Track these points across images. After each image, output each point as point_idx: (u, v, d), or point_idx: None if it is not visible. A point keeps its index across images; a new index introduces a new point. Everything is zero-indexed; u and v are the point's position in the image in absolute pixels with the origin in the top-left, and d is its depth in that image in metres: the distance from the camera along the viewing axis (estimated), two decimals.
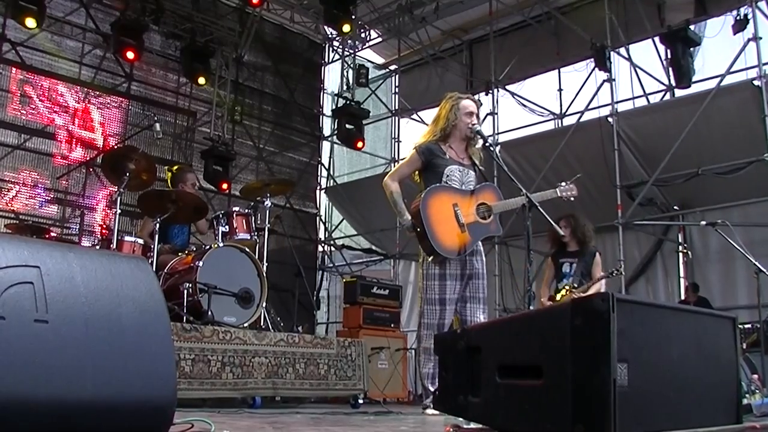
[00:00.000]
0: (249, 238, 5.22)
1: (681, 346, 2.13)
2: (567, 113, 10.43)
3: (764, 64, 7.27)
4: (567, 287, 5.17)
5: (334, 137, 11.00)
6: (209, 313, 4.43)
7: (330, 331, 11.04)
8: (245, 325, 4.64)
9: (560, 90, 10.72)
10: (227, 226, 5.13)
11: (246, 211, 5.35)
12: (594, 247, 5.35)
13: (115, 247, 4.63)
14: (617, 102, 8.73)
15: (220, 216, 5.18)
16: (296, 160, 11.51)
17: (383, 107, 12.15)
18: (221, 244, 4.89)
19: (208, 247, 4.93)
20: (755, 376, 4.61)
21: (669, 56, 7.92)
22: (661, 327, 2.06)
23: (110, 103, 9.30)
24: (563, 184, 4.10)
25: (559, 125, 10.37)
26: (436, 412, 2.76)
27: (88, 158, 8.83)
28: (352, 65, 11.33)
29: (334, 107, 10.73)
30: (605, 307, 1.80)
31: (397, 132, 12.11)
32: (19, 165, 8.40)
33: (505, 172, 4.08)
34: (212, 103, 10.17)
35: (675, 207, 8.70)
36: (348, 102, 10.18)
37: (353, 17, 9.41)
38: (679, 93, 8.56)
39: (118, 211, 4.69)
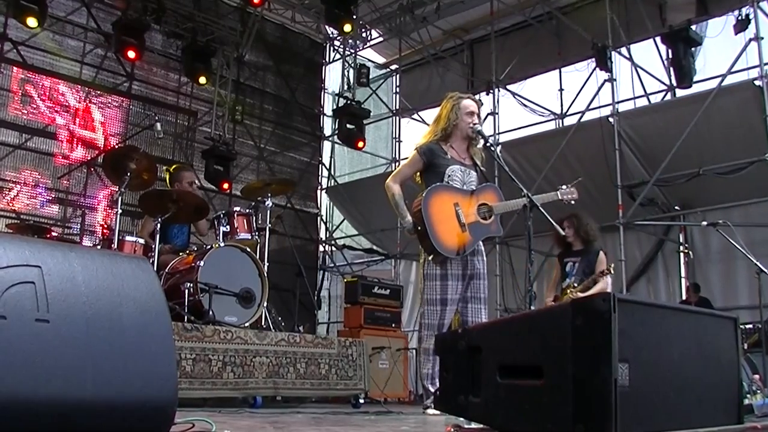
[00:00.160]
0: (250, 237, 5.22)
1: (682, 346, 2.13)
2: (568, 113, 10.43)
3: (765, 64, 7.27)
4: (568, 287, 5.17)
5: (335, 137, 10.99)
6: (210, 312, 4.43)
7: (331, 330, 11.05)
8: (246, 324, 4.64)
9: (561, 90, 10.71)
10: (228, 226, 5.13)
11: (247, 210, 5.34)
12: (598, 246, 5.32)
13: (116, 247, 4.63)
14: (618, 102, 8.73)
15: (221, 216, 5.18)
16: (297, 159, 11.51)
17: (384, 107, 12.15)
18: (222, 244, 4.89)
19: (209, 246, 4.93)
20: (756, 377, 4.60)
21: (670, 56, 7.91)
22: (662, 327, 2.06)
23: (111, 102, 9.30)
24: (564, 187, 4.11)
25: (560, 125, 10.36)
26: (437, 412, 2.76)
27: (89, 158, 8.83)
28: (353, 65, 11.33)
29: (335, 107, 10.73)
30: (606, 307, 1.80)
31: (398, 132, 12.11)
32: (20, 165, 8.40)
33: (506, 172, 4.08)
34: (213, 102, 10.17)
35: (676, 207, 8.70)
36: (349, 102, 10.18)
37: (354, 17, 9.41)
38: (680, 93, 8.55)
39: (119, 210, 4.69)
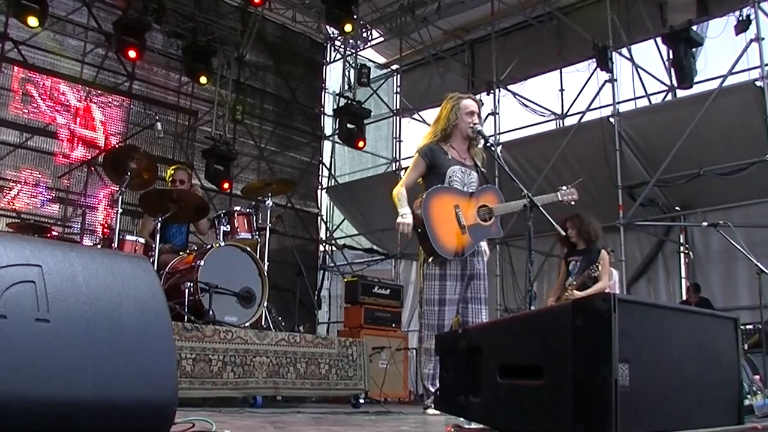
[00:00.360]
0: (250, 237, 5.22)
1: (682, 346, 2.13)
2: (568, 113, 10.43)
3: (766, 64, 7.27)
4: (569, 285, 5.16)
5: (336, 137, 10.99)
6: (210, 312, 4.44)
7: (331, 330, 11.04)
8: (246, 324, 4.64)
9: (562, 90, 10.71)
10: (228, 226, 5.13)
11: (247, 210, 5.35)
12: (601, 245, 5.30)
13: (116, 246, 4.63)
14: (619, 102, 8.74)
15: (222, 215, 5.18)
16: (297, 159, 11.52)
17: (385, 107, 12.15)
18: (222, 244, 4.89)
19: (209, 246, 4.93)
20: (757, 377, 4.60)
21: (671, 57, 7.91)
22: (662, 327, 2.06)
23: (112, 102, 9.30)
24: (564, 188, 4.10)
25: (561, 125, 10.36)
26: (437, 412, 2.76)
27: (89, 157, 8.84)
28: (353, 65, 11.34)
29: (335, 107, 10.73)
30: (606, 308, 1.80)
31: (398, 132, 12.12)
32: (20, 164, 8.41)
33: (506, 173, 4.09)
34: (214, 102, 10.17)
35: (676, 207, 8.70)
36: (349, 101, 10.19)
37: (355, 17, 9.41)
38: (680, 93, 8.55)
39: (120, 210, 4.70)
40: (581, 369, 1.81)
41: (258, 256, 5.04)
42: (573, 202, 4.08)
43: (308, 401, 5.30)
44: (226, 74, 10.37)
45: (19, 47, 8.47)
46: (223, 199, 10.00)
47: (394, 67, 12.43)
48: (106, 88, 9.28)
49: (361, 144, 10.14)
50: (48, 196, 8.52)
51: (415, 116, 11.88)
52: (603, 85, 8.79)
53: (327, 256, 11.76)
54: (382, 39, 11.83)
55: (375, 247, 11.76)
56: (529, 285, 3.60)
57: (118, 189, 4.83)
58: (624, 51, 9.03)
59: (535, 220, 3.62)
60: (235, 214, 5.23)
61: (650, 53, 9.28)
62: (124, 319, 1.59)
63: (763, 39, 7.37)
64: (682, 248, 8.48)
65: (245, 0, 9.75)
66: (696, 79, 7.83)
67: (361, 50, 11.78)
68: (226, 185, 9.51)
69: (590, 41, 8.68)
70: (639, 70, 9.27)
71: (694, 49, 7.75)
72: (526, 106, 10.65)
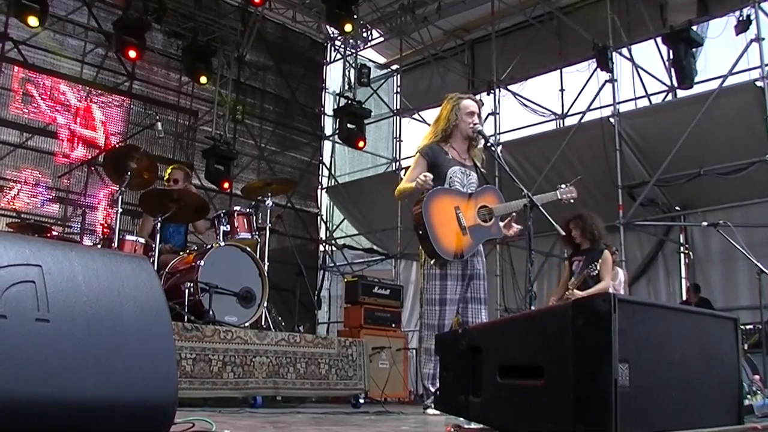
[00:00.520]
0: (250, 237, 5.22)
1: (682, 346, 2.13)
2: (569, 113, 10.43)
3: (766, 64, 7.27)
4: (571, 284, 5.16)
5: (336, 137, 10.99)
6: (210, 312, 4.44)
7: (331, 330, 11.04)
8: (246, 324, 4.64)
9: (562, 90, 10.71)
10: (228, 226, 5.13)
11: (247, 210, 5.35)
12: (603, 245, 5.30)
13: (116, 246, 4.63)
14: (619, 102, 8.74)
15: (222, 215, 5.18)
16: (298, 159, 11.52)
17: (385, 107, 12.15)
18: (222, 244, 4.89)
19: (209, 246, 4.93)
20: (756, 377, 4.60)
21: (671, 57, 7.90)
22: (662, 327, 2.06)
23: (112, 101, 9.30)
24: (563, 186, 4.10)
25: (561, 125, 10.36)
26: (437, 412, 2.76)
27: (89, 157, 8.84)
28: (353, 65, 11.34)
29: (335, 107, 10.74)
30: (606, 308, 1.80)
31: (398, 132, 12.12)
32: (20, 164, 8.41)
33: (506, 173, 4.08)
34: (214, 102, 10.18)
35: (676, 207, 8.70)
36: (349, 101, 10.19)
37: (355, 17, 9.41)
38: (681, 93, 8.55)
39: (120, 210, 4.70)
40: (581, 369, 1.81)
41: (258, 256, 5.04)
42: (572, 201, 4.08)
43: (308, 401, 5.30)
44: (226, 74, 10.37)
45: (19, 47, 8.47)
46: (223, 199, 10.00)
47: (394, 67, 12.43)
48: (106, 88, 9.28)
49: (361, 144, 10.14)
50: (48, 196, 8.52)
51: (415, 116, 11.88)
52: (603, 85, 8.79)
53: (327, 256, 11.76)
54: (382, 39, 11.83)
55: (375, 247, 11.77)
56: (529, 285, 3.60)
57: (118, 189, 4.83)
58: (624, 51, 9.03)
59: (535, 219, 3.62)
60: (235, 214, 5.23)
61: (650, 53, 9.29)
62: (125, 319, 1.59)
63: (763, 39, 7.37)
64: (682, 248, 8.48)
65: (245, 0, 9.75)
66: (696, 79, 7.83)
67: (361, 50, 11.78)
68: (226, 185, 9.51)
69: (590, 41, 8.67)
70: (639, 70, 9.27)
71: (694, 49, 7.75)
72: (526, 106, 10.65)
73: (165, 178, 5.68)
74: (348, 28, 9.11)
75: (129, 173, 4.71)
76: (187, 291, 4.49)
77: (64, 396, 1.43)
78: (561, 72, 10.67)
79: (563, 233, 4.74)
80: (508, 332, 2.13)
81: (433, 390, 3.69)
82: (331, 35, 11.99)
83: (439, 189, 3.89)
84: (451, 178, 3.93)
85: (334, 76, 12.46)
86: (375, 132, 12.23)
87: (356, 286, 7.52)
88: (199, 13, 9.81)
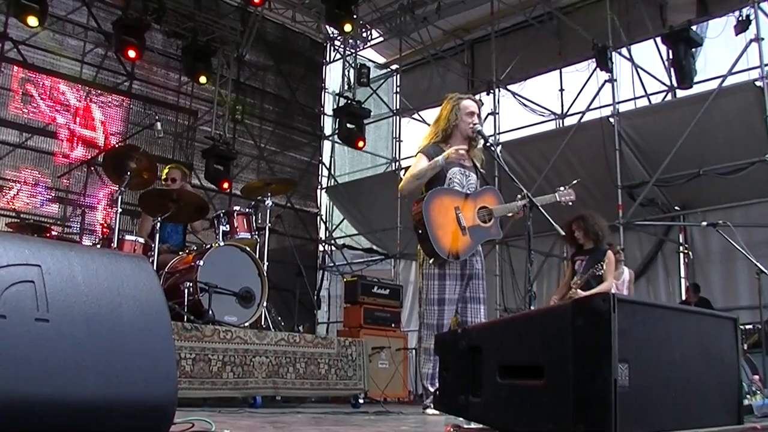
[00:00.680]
0: (250, 237, 5.22)
1: (682, 346, 2.13)
2: (568, 113, 10.43)
3: (766, 65, 7.28)
4: (574, 284, 5.16)
5: (335, 137, 11.00)
6: (210, 312, 4.43)
7: (331, 330, 11.04)
8: (246, 324, 4.64)
9: (562, 90, 10.72)
10: (228, 226, 5.13)
11: (247, 210, 5.34)
12: (607, 245, 5.30)
13: (116, 246, 4.63)
14: (619, 102, 8.75)
15: (221, 215, 5.18)
16: (297, 159, 11.52)
17: (384, 107, 12.15)
18: (222, 244, 4.89)
19: (208, 246, 4.93)
20: (756, 377, 4.61)
21: (671, 57, 7.91)
22: (662, 327, 2.06)
23: (112, 101, 9.30)
24: (562, 188, 4.10)
25: (561, 125, 10.37)
26: (437, 412, 2.75)
27: (89, 157, 8.84)
28: (353, 65, 11.34)
29: (335, 107, 10.73)
30: (606, 308, 1.80)
31: (398, 132, 12.12)
32: (20, 163, 8.41)
33: (506, 173, 4.08)
34: (213, 102, 10.18)
35: (676, 207, 8.70)
36: (349, 101, 10.19)
37: (355, 17, 9.41)
38: (680, 93, 8.55)
39: (119, 210, 4.69)
40: (581, 369, 1.81)
41: (257, 256, 5.04)
42: (570, 203, 4.08)
43: (308, 401, 5.30)
44: (226, 74, 10.37)
45: (19, 47, 8.47)
46: (223, 199, 10.00)
47: (394, 67, 12.43)
48: (106, 87, 9.28)
49: (360, 144, 10.14)
50: (48, 196, 8.52)
51: (415, 116, 11.89)
52: (603, 85, 8.80)
53: (326, 256, 11.76)
54: (381, 39, 11.83)
55: (374, 247, 11.77)
56: (529, 285, 3.60)
57: (117, 189, 4.83)
58: (624, 51, 9.03)
59: (535, 220, 3.62)
60: (235, 214, 5.23)
61: (650, 53, 9.30)
62: (124, 319, 1.59)
63: (762, 39, 7.37)
64: (681, 248, 8.48)
65: (245, 0, 9.75)
66: (696, 79, 7.83)
67: (360, 50, 11.78)
68: (225, 185, 9.51)
69: (590, 41, 8.68)
70: (639, 70, 9.28)
71: (693, 49, 7.75)
72: (526, 106, 10.66)
73: (162, 178, 5.67)
74: (348, 28, 9.11)
75: (128, 173, 4.70)
76: (186, 291, 4.48)
77: (64, 396, 1.43)
78: (561, 72, 10.68)
79: (563, 233, 4.74)
80: (507, 332, 2.12)
81: (432, 390, 3.69)
82: (331, 35, 12.00)
83: (439, 189, 3.89)
84: (450, 178, 3.93)
85: (333, 76, 12.49)
86: (374, 132, 12.23)
87: (356, 286, 7.52)
88: (199, 13, 9.81)
